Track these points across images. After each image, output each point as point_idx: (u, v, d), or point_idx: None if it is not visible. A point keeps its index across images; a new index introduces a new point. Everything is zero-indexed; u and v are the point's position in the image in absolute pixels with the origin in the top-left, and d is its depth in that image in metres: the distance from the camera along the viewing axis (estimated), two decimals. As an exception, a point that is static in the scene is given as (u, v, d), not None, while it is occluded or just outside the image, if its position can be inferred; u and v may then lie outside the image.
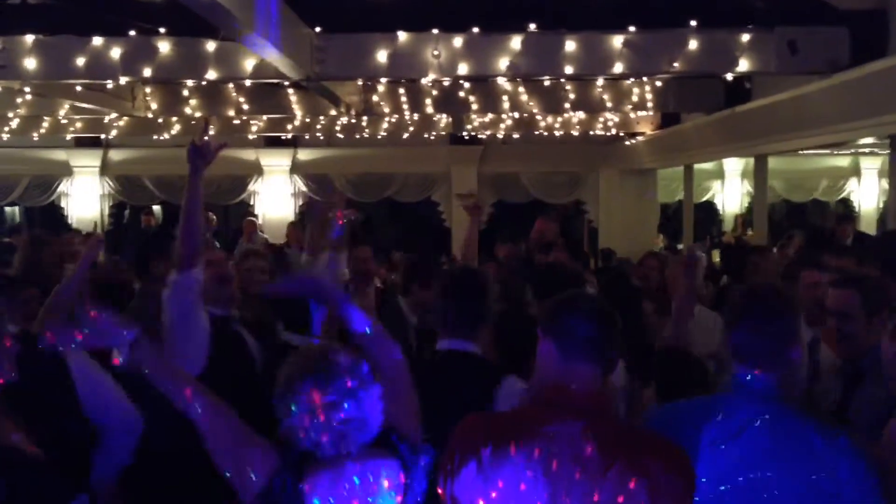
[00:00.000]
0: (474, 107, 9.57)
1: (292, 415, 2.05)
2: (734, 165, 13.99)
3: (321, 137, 12.59)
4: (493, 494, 2.00)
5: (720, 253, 9.85)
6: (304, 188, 13.88)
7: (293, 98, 9.56)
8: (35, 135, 11.15)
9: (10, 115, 9.90)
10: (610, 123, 11.36)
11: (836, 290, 3.05)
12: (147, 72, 6.57)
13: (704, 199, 14.49)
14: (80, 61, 6.44)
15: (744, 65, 6.39)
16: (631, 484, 1.92)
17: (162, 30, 6.32)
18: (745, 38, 6.34)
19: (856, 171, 14.15)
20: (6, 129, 10.66)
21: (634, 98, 9.43)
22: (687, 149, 10.55)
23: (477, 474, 2.03)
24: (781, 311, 2.27)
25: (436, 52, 6.42)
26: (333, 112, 9.62)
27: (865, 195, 14.09)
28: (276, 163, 13.71)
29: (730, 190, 14.43)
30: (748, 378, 2.25)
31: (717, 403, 2.29)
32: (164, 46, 6.48)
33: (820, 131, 7.09)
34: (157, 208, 15.51)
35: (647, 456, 1.97)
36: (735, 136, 8.92)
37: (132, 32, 6.35)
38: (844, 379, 3.03)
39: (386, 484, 2.08)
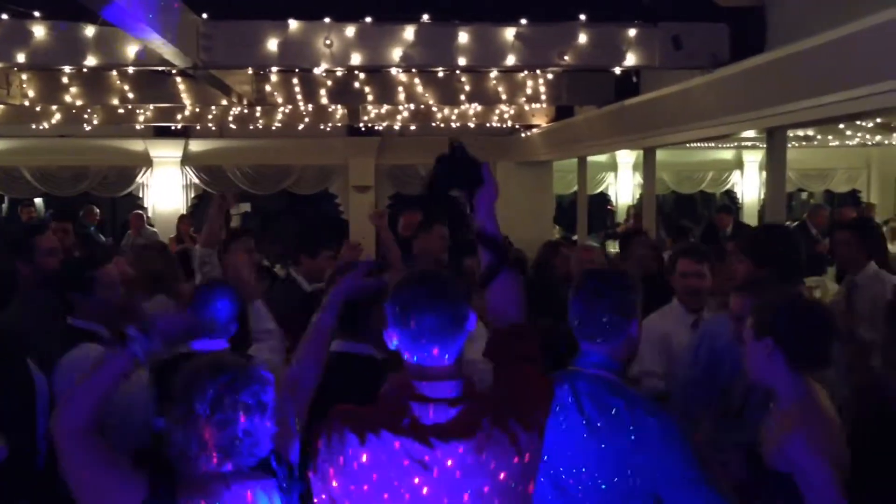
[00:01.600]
0: (370, 98, 9.50)
1: (188, 419, 1.97)
2: (626, 158, 14.37)
3: (213, 128, 12.26)
4: (366, 487, 1.98)
5: (618, 242, 10.10)
6: (196, 180, 13.49)
7: (182, 87, 9.26)
8: None
9: None
10: (506, 116, 11.48)
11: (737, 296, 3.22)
12: (21, 57, 6.23)
13: (598, 190, 14.84)
14: (-53, 45, 6.06)
15: (630, 59, 6.56)
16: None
17: (36, 13, 6.01)
18: (632, 32, 6.50)
19: (739, 164, 14.76)
20: None
21: (528, 91, 9.56)
22: (580, 141, 10.76)
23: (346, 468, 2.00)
24: (616, 285, 2.42)
25: (328, 42, 6.32)
26: (224, 102, 9.37)
27: (748, 187, 14.72)
28: (166, 154, 13.27)
29: (623, 182, 14.82)
30: (583, 350, 2.43)
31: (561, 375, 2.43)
32: (39, 31, 6.15)
33: (704, 124, 7.33)
34: (38, 201, 14.80)
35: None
36: (625, 129, 9.15)
37: (4, 16, 6.01)
38: None
39: None
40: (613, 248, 12.58)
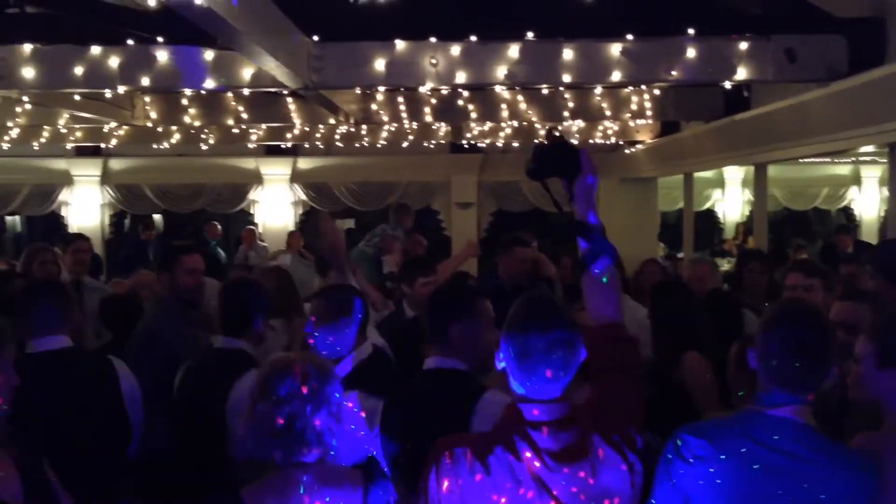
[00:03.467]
0: (473, 115, 9.57)
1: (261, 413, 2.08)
2: (735, 173, 13.98)
3: (321, 146, 12.60)
4: None
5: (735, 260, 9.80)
6: (303, 197, 13.89)
7: (292, 107, 9.57)
8: (35, 144, 11.17)
9: (10, 124, 9.90)
10: (609, 132, 11.35)
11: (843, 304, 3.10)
12: (145, 81, 6.56)
13: (705, 207, 14.48)
14: (79, 70, 6.44)
15: (742, 73, 6.38)
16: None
17: (160, 39, 6.33)
18: (743, 46, 6.33)
19: (856, 180, 14.13)
20: (6, 138, 10.67)
21: (633, 106, 9.43)
22: (686, 157, 10.53)
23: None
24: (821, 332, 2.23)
25: (433, 61, 6.41)
26: (332, 121, 9.62)
27: (866, 203, 14.07)
28: (275, 171, 13.72)
29: (730, 198, 14.41)
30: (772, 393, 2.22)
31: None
32: (162, 55, 6.48)
33: (819, 140, 7.06)
34: (157, 217, 15.54)
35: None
36: (734, 145, 8.90)
37: (130, 41, 6.36)
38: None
39: None
40: (721, 265, 12.26)
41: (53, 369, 3.32)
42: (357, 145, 12.14)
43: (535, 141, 11.68)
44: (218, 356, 3.58)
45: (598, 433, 2.02)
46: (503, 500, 1.96)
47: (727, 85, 7.06)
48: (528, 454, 1.97)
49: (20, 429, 2.37)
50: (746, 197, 14.16)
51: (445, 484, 2.02)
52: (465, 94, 9.11)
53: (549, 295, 2.31)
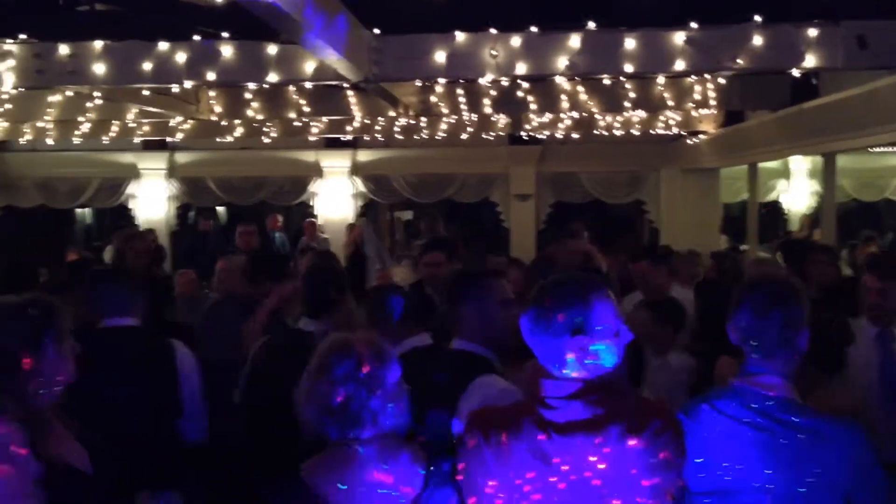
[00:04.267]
0: (533, 107, 9.51)
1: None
2: (801, 164, 13.62)
3: (380, 138, 12.68)
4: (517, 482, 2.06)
5: (782, 252, 9.58)
6: (363, 189, 13.99)
7: (352, 99, 9.64)
8: (105, 138, 11.49)
9: (81, 119, 10.21)
10: (671, 122, 11.18)
11: None
12: (211, 75, 6.69)
13: (769, 198, 14.16)
14: (147, 66, 6.59)
15: (810, 60, 6.20)
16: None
17: (225, 34, 6.44)
18: (812, 32, 6.15)
19: (930, 169, 13.66)
20: (77, 132, 11.00)
21: (696, 96, 9.26)
22: (751, 147, 10.31)
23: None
24: (784, 297, 2.32)
25: (493, 52, 6.39)
26: (392, 113, 9.67)
27: (940, 194, 13.60)
28: (335, 164, 13.85)
29: (796, 189, 14.06)
30: (750, 364, 2.34)
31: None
32: (227, 50, 6.60)
33: (890, 127, 6.86)
34: (221, 209, 15.84)
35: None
36: (802, 134, 8.69)
37: (196, 37, 6.49)
38: None
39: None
40: (785, 259, 11.97)
41: (117, 341, 3.62)
42: (416, 137, 12.19)
43: (594, 132, 11.55)
44: (296, 336, 3.70)
45: (613, 411, 2.04)
46: (527, 475, 2.02)
47: (795, 73, 6.88)
48: (539, 429, 2.03)
49: (77, 399, 2.44)
50: (813, 188, 13.80)
51: (467, 462, 2.10)
52: (525, 85, 9.06)
53: (588, 277, 2.28)
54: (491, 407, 2.24)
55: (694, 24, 6.20)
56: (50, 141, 11.44)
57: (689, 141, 12.27)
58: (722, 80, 8.97)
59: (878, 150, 11.81)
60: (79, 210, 16.72)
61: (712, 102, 9.34)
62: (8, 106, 9.29)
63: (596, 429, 1.99)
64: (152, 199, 14.02)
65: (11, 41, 6.57)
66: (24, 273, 5.88)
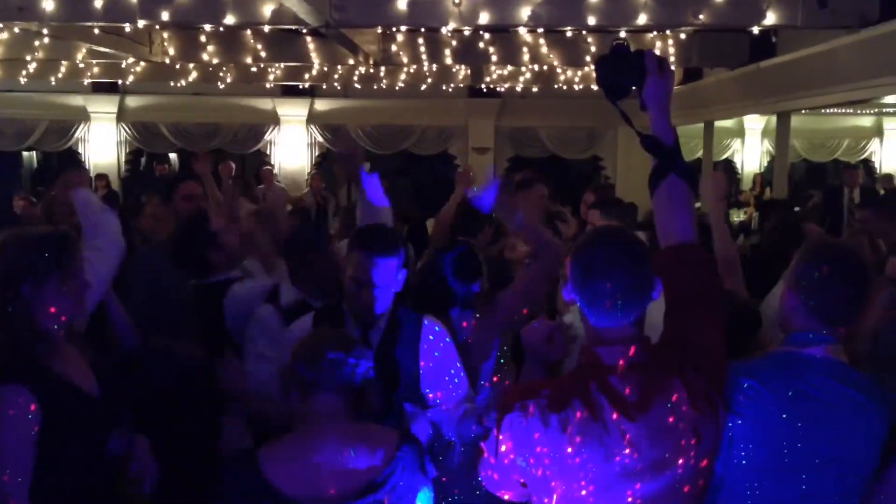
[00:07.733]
0: (494, 58, 9.45)
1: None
2: (755, 123, 13.80)
3: (338, 87, 12.51)
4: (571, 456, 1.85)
5: (757, 211, 9.62)
6: (320, 139, 13.83)
7: (311, 46, 9.47)
8: (52, 79, 11.13)
9: (28, 58, 9.86)
10: (631, 78, 11.19)
11: None
12: (165, 15, 6.50)
13: (724, 157, 14.34)
14: (98, 4, 6.39)
15: (771, 17, 6.26)
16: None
17: (180, -28, 6.26)
18: (773, -10, 6.21)
19: (878, 132, 13.95)
20: (24, 72, 10.64)
21: (656, 51, 9.25)
22: (708, 105, 10.40)
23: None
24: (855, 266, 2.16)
25: (457, 1, 6.32)
26: (351, 61, 9.53)
27: (888, 156, 13.90)
28: (292, 113, 13.65)
29: (749, 148, 14.26)
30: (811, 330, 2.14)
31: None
32: (183, -11, 6.42)
33: (846, 87, 6.97)
34: (173, 156, 15.52)
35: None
36: (758, 93, 8.79)
37: (150, -26, 6.29)
38: None
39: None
40: (736, 216, 12.18)
41: None
42: (375, 87, 12.05)
43: (555, 86, 11.53)
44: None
45: (677, 375, 1.85)
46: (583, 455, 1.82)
47: (755, 31, 6.94)
48: (604, 402, 1.82)
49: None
50: (765, 147, 13.99)
51: (510, 443, 1.88)
52: (487, 36, 8.99)
53: (623, 230, 2.05)
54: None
55: (658, -22, 6.20)
56: (-5, 80, 11.08)
57: (646, 98, 12.31)
58: (682, 37, 9.01)
59: (830, 111, 12.01)
60: (25, 153, 16.24)
61: (671, 58, 9.37)
62: (-49, 43, 8.95)
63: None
64: (102, 144, 13.67)
65: (-45, -27, 6.30)
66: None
